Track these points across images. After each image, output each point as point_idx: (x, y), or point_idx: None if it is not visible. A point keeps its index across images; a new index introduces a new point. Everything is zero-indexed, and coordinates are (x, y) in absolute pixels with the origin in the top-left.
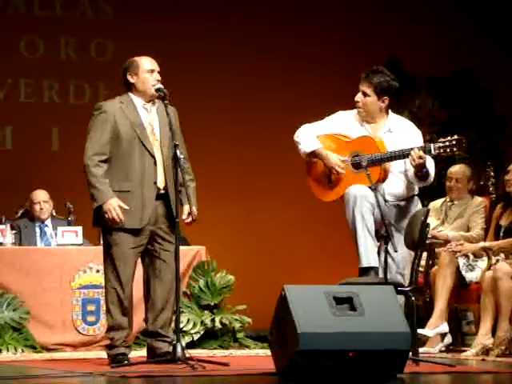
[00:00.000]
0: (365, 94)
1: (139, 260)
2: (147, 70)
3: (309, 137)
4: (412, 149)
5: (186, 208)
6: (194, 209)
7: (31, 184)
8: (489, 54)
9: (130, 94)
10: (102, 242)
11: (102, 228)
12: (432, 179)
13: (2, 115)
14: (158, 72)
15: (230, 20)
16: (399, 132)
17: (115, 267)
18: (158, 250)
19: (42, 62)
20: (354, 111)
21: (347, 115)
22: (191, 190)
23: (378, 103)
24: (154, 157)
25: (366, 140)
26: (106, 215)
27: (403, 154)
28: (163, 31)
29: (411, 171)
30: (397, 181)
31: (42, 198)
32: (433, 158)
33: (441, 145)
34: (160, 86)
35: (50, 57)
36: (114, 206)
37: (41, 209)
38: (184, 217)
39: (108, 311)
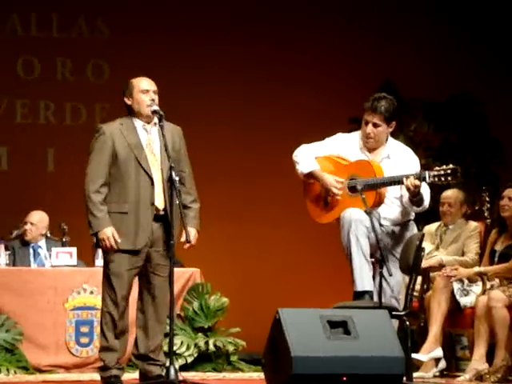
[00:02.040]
0: (375, 125)
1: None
2: (141, 90)
3: (307, 157)
4: (407, 176)
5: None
6: (193, 232)
7: (26, 205)
8: (484, 78)
9: (130, 116)
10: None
11: (102, 249)
12: (427, 205)
13: None
14: (155, 92)
15: (227, 41)
16: (397, 159)
17: (111, 288)
18: (152, 273)
19: (38, 82)
20: (354, 134)
21: (347, 138)
22: (193, 212)
23: (388, 130)
24: (151, 178)
25: (363, 164)
26: (101, 243)
27: (398, 181)
28: (160, 52)
29: (406, 197)
30: (392, 206)
31: (30, 219)
32: (428, 184)
33: (435, 173)
34: (155, 107)
35: (47, 77)
36: (108, 236)
37: (25, 230)
38: (182, 239)
39: (102, 333)
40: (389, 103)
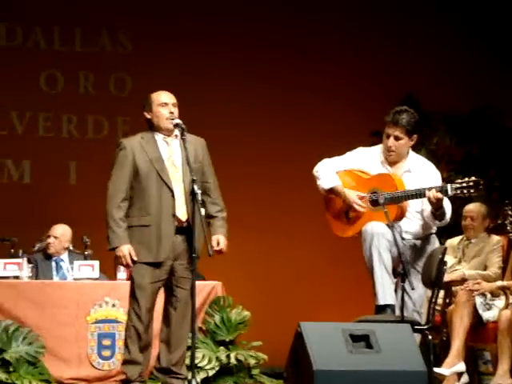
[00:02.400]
0: (397, 138)
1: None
2: (160, 103)
3: (328, 173)
4: (429, 188)
5: (214, 238)
6: (222, 239)
7: (49, 218)
8: (506, 91)
9: (150, 130)
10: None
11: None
12: (448, 220)
13: (20, 149)
14: (174, 104)
15: (252, 55)
16: (418, 172)
17: (135, 301)
18: (176, 286)
19: (61, 96)
20: (375, 148)
21: (368, 152)
22: (220, 221)
23: (410, 143)
24: (172, 190)
25: (384, 177)
26: (118, 260)
27: (420, 193)
28: (182, 65)
29: (427, 211)
30: (414, 220)
31: (53, 233)
32: (449, 198)
33: (458, 186)
34: (177, 121)
35: (69, 91)
36: (124, 254)
37: (48, 243)
38: (214, 243)
39: (126, 346)
40: (410, 116)
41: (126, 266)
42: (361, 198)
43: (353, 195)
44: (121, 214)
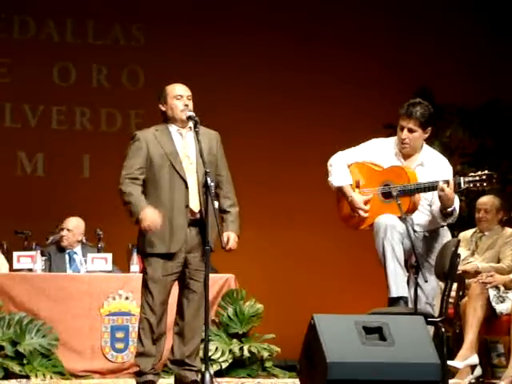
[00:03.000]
0: (411, 131)
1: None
2: (175, 95)
3: (340, 170)
4: (443, 181)
5: (225, 235)
6: (233, 236)
7: (62, 211)
8: None
9: (165, 122)
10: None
11: (140, 255)
12: (456, 218)
13: (34, 142)
14: (188, 97)
15: (264, 47)
16: (431, 166)
17: (149, 293)
18: (190, 278)
19: (74, 89)
20: (389, 140)
21: (381, 144)
22: (232, 216)
23: (424, 135)
24: (185, 181)
25: (397, 170)
26: (142, 224)
27: (433, 186)
28: (195, 58)
29: (436, 205)
30: (425, 213)
31: (67, 226)
32: (462, 191)
33: (470, 179)
34: (190, 113)
35: (82, 84)
36: (146, 216)
37: (62, 236)
38: (224, 240)
39: (139, 338)
40: (424, 109)
41: (154, 227)
42: (367, 202)
43: (358, 200)
44: (133, 188)
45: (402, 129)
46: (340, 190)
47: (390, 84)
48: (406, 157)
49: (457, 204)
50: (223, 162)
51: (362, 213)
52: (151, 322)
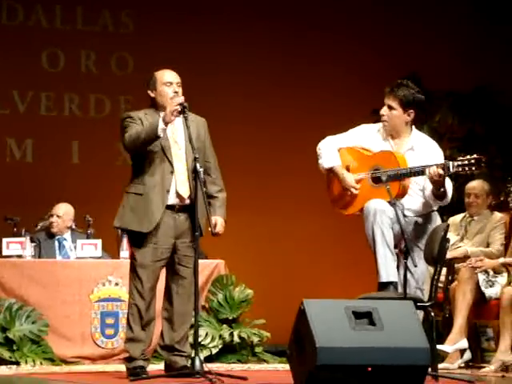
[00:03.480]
0: (390, 108)
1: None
2: (164, 82)
3: (329, 151)
4: (431, 166)
5: (213, 219)
6: (220, 221)
7: (51, 197)
8: (510, 70)
9: (153, 107)
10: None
11: (129, 241)
12: (449, 200)
13: (22, 128)
14: (178, 84)
15: (250, 34)
16: (421, 151)
17: (137, 279)
18: (179, 264)
19: (62, 75)
20: (378, 125)
21: (371, 129)
22: (219, 202)
23: (404, 116)
24: (173, 167)
25: (386, 155)
26: (172, 110)
27: (422, 171)
28: (184, 44)
29: (428, 190)
30: (415, 197)
31: (56, 212)
32: (451, 175)
33: (459, 163)
34: (179, 100)
35: (71, 70)
36: (168, 112)
37: (51, 222)
38: (210, 229)
39: (128, 324)
40: (409, 91)
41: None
42: (359, 181)
43: (350, 178)
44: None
45: (384, 106)
46: (331, 170)
47: (380, 70)
48: (396, 141)
49: (449, 187)
50: (211, 148)
51: (353, 190)
52: (140, 308)
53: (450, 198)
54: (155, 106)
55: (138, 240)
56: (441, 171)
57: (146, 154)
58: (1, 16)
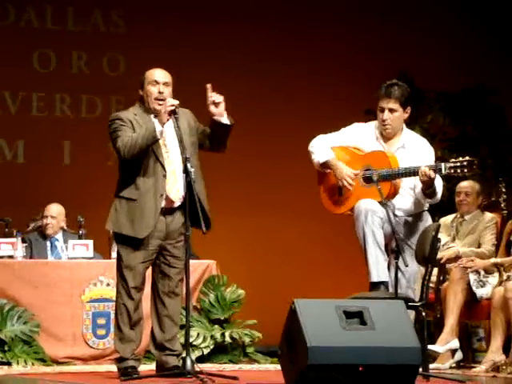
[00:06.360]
0: (391, 111)
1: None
2: (150, 81)
3: (322, 147)
4: (423, 167)
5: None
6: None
7: (43, 197)
8: (501, 69)
9: (142, 106)
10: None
11: (115, 240)
12: (439, 198)
13: (14, 129)
14: (166, 83)
15: (244, 32)
16: (412, 149)
17: (124, 280)
18: (167, 265)
19: (54, 75)
20: (370, 124)
21: (363, 128)
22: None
23: (404, 115)
24: (164, 169)
25: (378, 155)
26: (165, 110)
27: (414, 172)
28: (175, 45)
29: (419, 188)
30: (406, 196)
31: (50, 213)
32: (442, 177)
33: (452, 165)
34: (172, 102)
35: (62, 71)
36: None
37: (46, 224)
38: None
39: (117, 324)
40: (402, 88)
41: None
42: (355, 175)
43: (346, 169)
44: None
45: (383, 110)
46: (326, 164)
47: (371, 70)
48: (387, 140)
49: (439, 185)
50: (202, 124)
51: (349, 180)
52: (128, 308)
53: (441, 195)
54: (143, 104)
55: (128, 241)
56: (432, 173)
57: (135, 160)
58: None
